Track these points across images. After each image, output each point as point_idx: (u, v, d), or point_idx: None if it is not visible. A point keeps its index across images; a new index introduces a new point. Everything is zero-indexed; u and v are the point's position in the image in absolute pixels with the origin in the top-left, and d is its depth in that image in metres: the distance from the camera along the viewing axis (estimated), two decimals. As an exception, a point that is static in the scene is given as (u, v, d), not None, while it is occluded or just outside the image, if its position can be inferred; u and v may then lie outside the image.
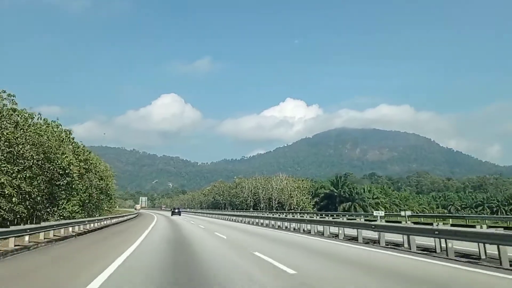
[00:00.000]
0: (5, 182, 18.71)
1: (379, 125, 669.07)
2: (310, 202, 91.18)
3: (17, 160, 20.99)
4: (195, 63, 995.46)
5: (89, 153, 38.18)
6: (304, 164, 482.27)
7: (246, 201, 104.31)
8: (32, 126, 23.76)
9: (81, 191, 32.15)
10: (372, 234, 16.43)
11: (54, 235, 18.15)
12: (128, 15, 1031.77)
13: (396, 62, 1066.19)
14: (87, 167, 35.41)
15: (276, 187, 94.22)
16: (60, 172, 26.74)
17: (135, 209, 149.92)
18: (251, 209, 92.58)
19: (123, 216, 47.81)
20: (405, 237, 13.58)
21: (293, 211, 77.07)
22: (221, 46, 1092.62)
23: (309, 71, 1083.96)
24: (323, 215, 51.97)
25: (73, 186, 29.27)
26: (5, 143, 20.19)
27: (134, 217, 57.30)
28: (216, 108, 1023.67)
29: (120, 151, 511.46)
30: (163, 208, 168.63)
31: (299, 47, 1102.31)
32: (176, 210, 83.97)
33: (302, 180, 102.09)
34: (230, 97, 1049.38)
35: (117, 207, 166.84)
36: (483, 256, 10.72)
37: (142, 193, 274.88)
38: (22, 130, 21.61)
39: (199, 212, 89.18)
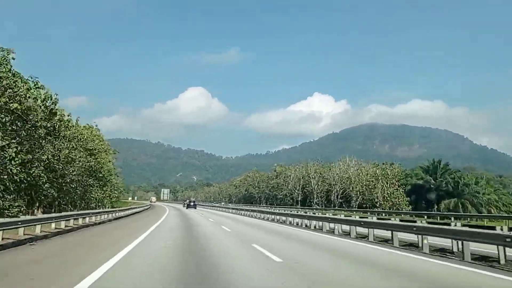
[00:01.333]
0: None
1: (409, 121, 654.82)
2: (403, 197, 67.91)
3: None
4: (224, 54, 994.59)
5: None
6: (331, 159, 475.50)
7: (291, 194, 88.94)
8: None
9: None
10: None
11: None
12: (156, 5, 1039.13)
13: (430, 56, 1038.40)
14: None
15: (342, 176, 74.44)
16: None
17: (150, 201, 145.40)
18: (299, 205, 79.37)
19: (111, 213, 32.71)
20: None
21: (382, 210, 57.80)
22: (250, 38, 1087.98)
23: (338, 65, 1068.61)
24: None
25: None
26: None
27: (134, 213, 45.27)
28: (243, 102, 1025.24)
29: (145, 144, 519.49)
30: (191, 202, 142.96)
31: (327, 41, 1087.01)
32: (192, 203, 79.65)
33: (391, 164, 78.24)
34: (257, 91, 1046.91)
35: (130, 198, 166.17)
36: None
37: (165, 186, 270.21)
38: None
39: (228, 208, 69.23)
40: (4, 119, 18.73)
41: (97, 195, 41.66)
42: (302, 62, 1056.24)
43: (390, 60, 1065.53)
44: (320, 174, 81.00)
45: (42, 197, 25.88)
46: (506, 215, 46.91)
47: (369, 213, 48.96)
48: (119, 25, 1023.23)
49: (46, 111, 22.55)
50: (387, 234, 16.03)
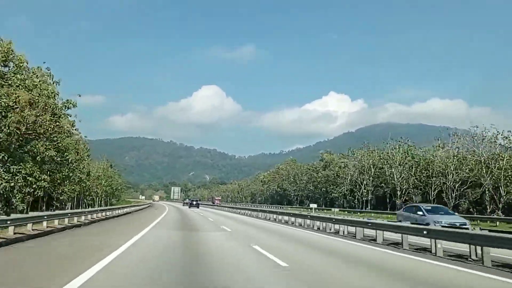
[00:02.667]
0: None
1: (427, 120, 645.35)
2: None
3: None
4: (239, 51, 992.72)
5: None
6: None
7: (351, 192, 68.61)
8: None
9: None
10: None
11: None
12: (170, 1, 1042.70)
13: (451, 55, 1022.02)
14: None
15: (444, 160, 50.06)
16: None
17: (153, 200, 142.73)
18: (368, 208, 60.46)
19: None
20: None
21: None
22: (265, 35, 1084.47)
23: (354, 64, 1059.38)
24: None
25: None
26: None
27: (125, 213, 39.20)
28: (256, 100, 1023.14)
29: (157, 143, 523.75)
30: (217, 202, 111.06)
31: (344, 41, 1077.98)
32: (194, 202, 78.38)
33: None
34: (272, 89, 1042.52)
35: (142, 197, 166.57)
36: None
37: (176, 184, 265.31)
38: None
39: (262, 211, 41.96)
40: None
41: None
42: (318, 61, 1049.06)
43: (407, 58, 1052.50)
44: (416, 161, 56.52)
45: None
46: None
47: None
48: (133, 22, 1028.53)
49: None
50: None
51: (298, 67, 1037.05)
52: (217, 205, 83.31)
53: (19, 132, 19.26)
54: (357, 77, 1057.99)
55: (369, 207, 62.69)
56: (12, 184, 19.29)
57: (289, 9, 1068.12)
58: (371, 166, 64.79)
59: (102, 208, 34.25)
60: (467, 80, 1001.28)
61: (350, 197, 70.76)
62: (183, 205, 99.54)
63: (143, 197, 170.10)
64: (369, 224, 16.62)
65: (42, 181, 21.58)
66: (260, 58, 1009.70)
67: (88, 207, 44.66)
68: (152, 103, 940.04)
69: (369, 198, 64.46)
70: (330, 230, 20.48)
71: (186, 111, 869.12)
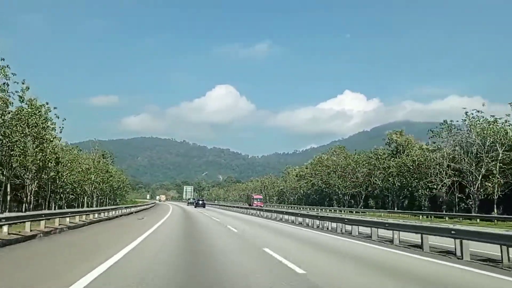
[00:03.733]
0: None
1: (445, 118, 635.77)
2: None
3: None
4: (254, 47, 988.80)
5: None
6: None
7: (457, 187, 47.82)
8: None
9: None
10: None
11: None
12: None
13: (468, 51, 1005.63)
14: None
15: None
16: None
17: (159, 200, 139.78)
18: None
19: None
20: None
21: None
22: (281, 30, 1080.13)
23: (370, 62, 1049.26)
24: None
25: None
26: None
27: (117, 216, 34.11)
28: (270, 99, 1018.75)
29: (170, 142, 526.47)
30: (256, 204, 75.52)
31: (360, 39, 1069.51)
32: (200, 202, 77.35)
33: None
34: (286, 88, 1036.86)
35: (149, 196, 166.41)
36: None
37: (189, 184, 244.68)
38: None
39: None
40: None
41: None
42: (333, 59, 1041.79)
43: (423, 56, 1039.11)
44: None
45: None
46: None
47: None
48: (147, 20, 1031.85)
49: None
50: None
51: (313, 66, 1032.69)
52: (254, 207, 51.68)
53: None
54: (373, 76, 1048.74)
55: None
56: None
57: (304, 8, 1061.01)
58: (498, 143, 42.33)
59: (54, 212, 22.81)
60: (486, 77, 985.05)
61: (450, 196, 49.83)
62: (187, 205, 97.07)
63: (149, 196, 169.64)
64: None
65: None
66: (275, 55, 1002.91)
67: (55, 208, 37.43)
68: (165, 103, 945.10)
69: (496, 197, 41.22)
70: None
71: (199, 111, 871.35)
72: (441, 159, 50.37)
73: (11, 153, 25.69)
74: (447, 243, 13.45)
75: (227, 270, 8.83)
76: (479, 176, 43.86)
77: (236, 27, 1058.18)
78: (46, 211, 22.69)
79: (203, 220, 31.01)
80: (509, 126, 43.17)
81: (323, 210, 62.21)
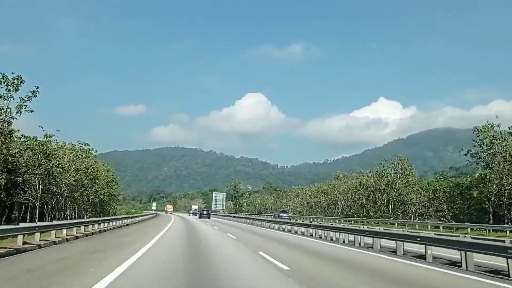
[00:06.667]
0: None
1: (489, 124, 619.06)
2: None
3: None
4: (288, 49, 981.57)
5: None
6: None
7: None
8: None
9: None
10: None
11: None
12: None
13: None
14: None
15: None
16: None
17: (165, 212, 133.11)
18: None
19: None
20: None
21: None
22: (316, 33, 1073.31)
23: (407, 68, 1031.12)
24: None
25: None
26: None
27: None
28: (301, 106, 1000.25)
29: (197, 152, 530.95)
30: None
31: (397, 46, 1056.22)
32: (205, 212, 76.96)
33: None
34: (318, 94, 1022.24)
35: (171, 206, 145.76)
36: None
37: (218, 190, 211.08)
38: None
39: None
40: None
41: None
42: (369, 65, 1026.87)
43: (465, 59, 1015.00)
44: None
45: None
46: None
47: None
48: (176, 24, 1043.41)
49: None
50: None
51: (345, 72, 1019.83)
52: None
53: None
54: (410, 83, 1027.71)
55: None
56: None
57: (341, 14, 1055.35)
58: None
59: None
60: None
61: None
62: (189, 215, 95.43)
63: (154, 207, 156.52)
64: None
65: None
66: (309, 58, 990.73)
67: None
68: (194, 112, 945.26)
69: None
70: None
71: (228, 120, 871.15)
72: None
73: None
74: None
75: None
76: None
77: (269, 27, 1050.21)
78: None
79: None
80: None
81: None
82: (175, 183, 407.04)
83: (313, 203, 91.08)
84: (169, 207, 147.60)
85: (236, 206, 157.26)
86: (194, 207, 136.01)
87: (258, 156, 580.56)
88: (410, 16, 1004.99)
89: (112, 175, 67.86)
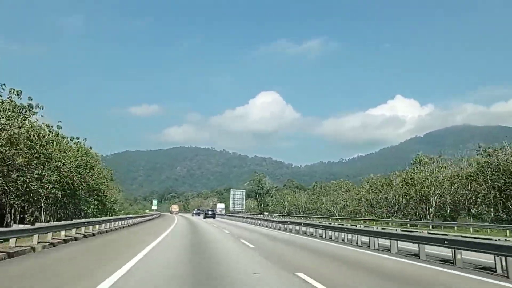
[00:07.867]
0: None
1: (508, 122, 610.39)
2: None
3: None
4: (304, 45, 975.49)
5: None
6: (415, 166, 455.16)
7: None
8: None
9: None
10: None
11: None
12: None
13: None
14: None
15: None
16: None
17: (171, 212, 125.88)
18: None
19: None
20: None
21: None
22: (335, 27, 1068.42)
23: (424, 65, 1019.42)
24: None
25: None
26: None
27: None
28: (316, 105, 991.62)
29: (210, 152, 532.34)
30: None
31: (415, 44, 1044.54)
32: (210, 212, 77.32)
33: None
34: (333, 92, 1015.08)
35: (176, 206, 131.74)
36: None
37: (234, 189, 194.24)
38: None
39: None
40: None
41: None
42: (385, 62, 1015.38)
43: (484, 55, 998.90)
44: None
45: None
46: None
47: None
48: (188, 21, 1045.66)
49: None
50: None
51: (362, 69, 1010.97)
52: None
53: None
54: (427, 81, 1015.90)
55: None
56: None
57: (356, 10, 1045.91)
58: None
59: None
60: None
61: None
62: (192, 216, 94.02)
63: (155, 207, 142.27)
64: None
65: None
66: (326, 54, 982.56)
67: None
68: (208, 111, 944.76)
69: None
70: None
71: (241, 119, 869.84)
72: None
73: None
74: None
75: None
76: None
77: (286, 19, 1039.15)
78: None
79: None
80: None
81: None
82: (188, 183, 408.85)
83: (374, 201, 72.65)
84: (175, 207, 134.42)
85: (260, 205, 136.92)
86: (220, 205, 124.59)
87: (271, 155, 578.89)
88: (422, 16, 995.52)
89: (95, 161, 45.80)
